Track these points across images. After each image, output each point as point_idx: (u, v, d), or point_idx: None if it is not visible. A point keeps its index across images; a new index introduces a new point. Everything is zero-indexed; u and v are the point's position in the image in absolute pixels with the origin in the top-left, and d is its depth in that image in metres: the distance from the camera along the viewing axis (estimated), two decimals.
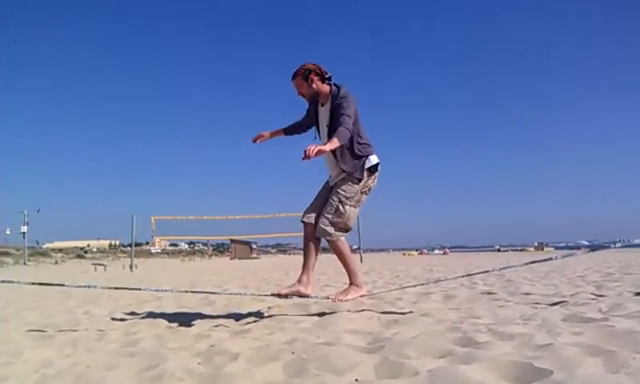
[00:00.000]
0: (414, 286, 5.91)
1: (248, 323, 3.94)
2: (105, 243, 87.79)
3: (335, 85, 4.20)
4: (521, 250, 70.90)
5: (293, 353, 2.68)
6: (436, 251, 78.05)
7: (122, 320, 4.42)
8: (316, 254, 4.30)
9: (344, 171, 4.10)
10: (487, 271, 4.83)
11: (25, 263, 34.31)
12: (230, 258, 62.18)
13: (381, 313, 4.05)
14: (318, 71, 4.19)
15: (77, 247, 68.31)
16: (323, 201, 4.24)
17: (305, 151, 3.61)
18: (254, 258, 70.86)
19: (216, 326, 3.87)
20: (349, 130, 3.93)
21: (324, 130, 4.20)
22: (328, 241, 4.17)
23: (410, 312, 4.05)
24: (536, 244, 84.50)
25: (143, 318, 4.51)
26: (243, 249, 70.35)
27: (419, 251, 76.77)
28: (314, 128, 4.39)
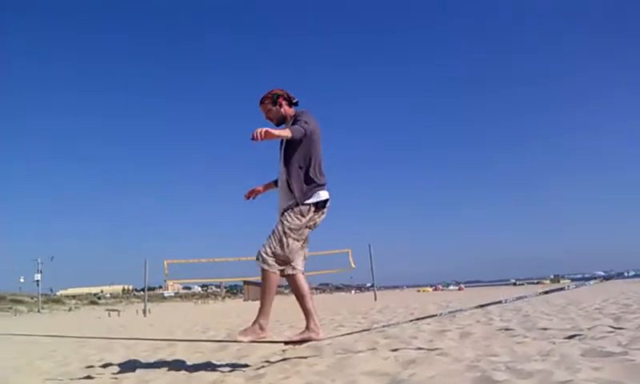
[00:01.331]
0: (425, 318, 5.84)
1: (262, 367, 3.90)
2: (118, 288, 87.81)
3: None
4: (537, 283, 70.18)
5: None
6: (451, 287, 77.30)
7: (136, 367, 4.40)
8: (305, 296, 4.17)
9: (290, 191, 4.06)
10: (500, 301, 4.80)
11: (39, 311, 34.35)
12: (244, 300, 61.97)
13: (397, 352, 4.00)
14: (285, 96, 4.29)
15: (90, 293, 68.39)
16: None
17: (253, 132, 3.64)
18: None
19: (231, 371, 3.84)
20: (305, 130, 3.96)
21: (282, 150, 4.22)
22: (262, 269, 4.02)
23: (427, 351, 4.00)
24: (552, 276, 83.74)
25: (157, 364, 4.48)
26: (256, 290, 69.84)
27: (434, 287, 76.07)
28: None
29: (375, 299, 20.25)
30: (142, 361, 4.75)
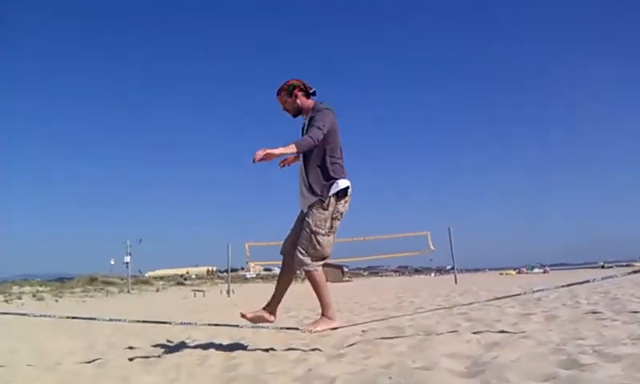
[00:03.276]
0: (506, 297, 5.71)
1: (343, 347, 3.94)
2: (203, 270, 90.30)
3: (319, 102, 4.29)
4: (626, 266, 66.71)
5: (390, 377, 2.65)
6: (535, 270, 75.08)
7: (222, 345, 4.56)
8: (287, 286, 4.33)
9: (311, 190, 4.09)
10: (587, 281, 4.66)
11: (128, 291, 35.87)
12: None
13: (479, 335, 3.94)
14: (302, 87, 4.29)
15: (177, 274, 70.70)
16: (298, 232, 4.23)
17: (253, 156, 3.70)
18: (346, 280, 71.04)
19: (312, 350, 3.90)
20: (313, 139, 3.94)
21: None
22: (305, 271, 4.12)
23: (511, 334, 3.93)
24: None
25: (241, 343, 4.62)
26: (335, 272, 70.60)
27: (517, 270, 74.04)
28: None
29: (456, 282, 19.91)
30: (228, 338, 4.91)
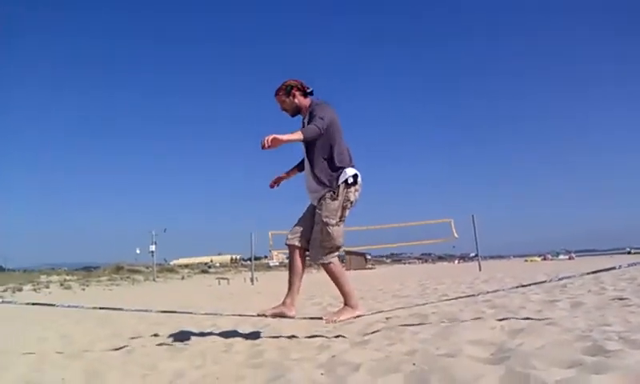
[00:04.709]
0: (531, 285, 5.66)
1: (367, 334, 3.96)
2: (226, 258, 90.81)
3: (316, 99, 4.31)
4: None
5: (414, 364, 2.66)
6: (561, 256, 74.37)
7: (247, 332, 4.60)
8: (301, 277, 4.31)
9: (320, 182, 4.10)
10: (613, 268, 4.63)
11: (154, 280, 36.24)
12: (346, 269, 62.45)
13: (504, 322, 3.92)
14: (299, 86, 4.30)
15: (201, 263, 71.38)
16: (307, 223, 4.25)
17: (261, 140, 3.68)
18: (369, 268, 71.05)
19: (336, 337, 3.93)
20: (318, 127, 3.95)
21: (304, 144, 4.22)
22: (321, 264, 4.16)
23: (536, 320, 3.90)
24: None
25: (265, 331, 4.66)
26: (358, 260, 70.71)
27: (542, 257, 73.33)
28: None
29: (480, 269, 19.74)
30: (250, 327, 4.94)
